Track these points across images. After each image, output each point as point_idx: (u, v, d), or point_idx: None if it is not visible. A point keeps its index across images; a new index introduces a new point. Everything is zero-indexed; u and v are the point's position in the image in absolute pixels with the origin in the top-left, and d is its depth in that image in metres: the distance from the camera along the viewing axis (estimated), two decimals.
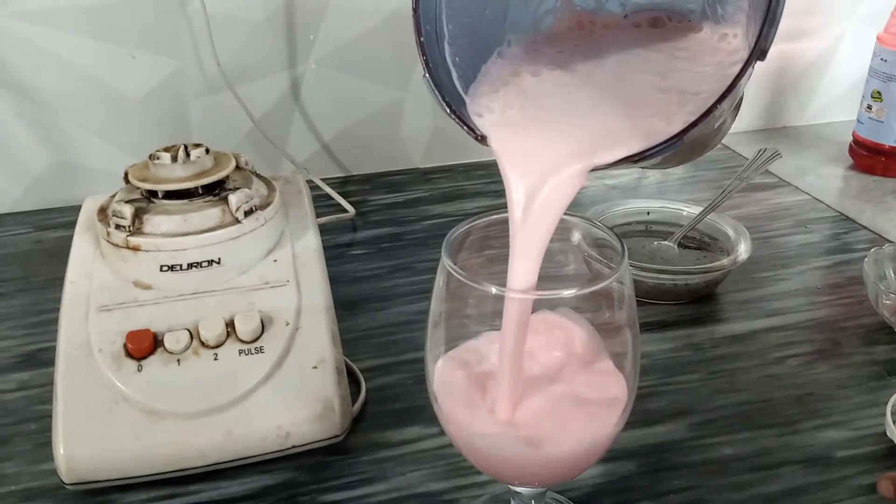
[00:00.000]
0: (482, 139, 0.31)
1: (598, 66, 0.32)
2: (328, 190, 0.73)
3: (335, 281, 0.49)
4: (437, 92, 0.31)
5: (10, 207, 0.74)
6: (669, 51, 0.32)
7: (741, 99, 0.37)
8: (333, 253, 0.65)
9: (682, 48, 0.31)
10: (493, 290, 0.29)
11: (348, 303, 0.58)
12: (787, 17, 0.92)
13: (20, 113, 0.71)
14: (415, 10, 0.31)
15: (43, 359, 0.52)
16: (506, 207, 0.31)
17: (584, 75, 0.32)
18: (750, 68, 0.25)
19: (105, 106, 0.72)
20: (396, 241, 0.67)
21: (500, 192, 0.81)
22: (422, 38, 0.31)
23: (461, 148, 0.83)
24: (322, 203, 0.73)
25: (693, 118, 0.26)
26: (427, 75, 0.31)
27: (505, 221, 0.31)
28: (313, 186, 0.72)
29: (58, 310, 0.45)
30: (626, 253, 0.30)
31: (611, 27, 0.34)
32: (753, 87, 0.88)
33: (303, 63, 0.75)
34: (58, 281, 0.48)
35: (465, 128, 0.31)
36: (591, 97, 0.30)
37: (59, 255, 0.65)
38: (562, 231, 0.34)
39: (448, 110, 0.30)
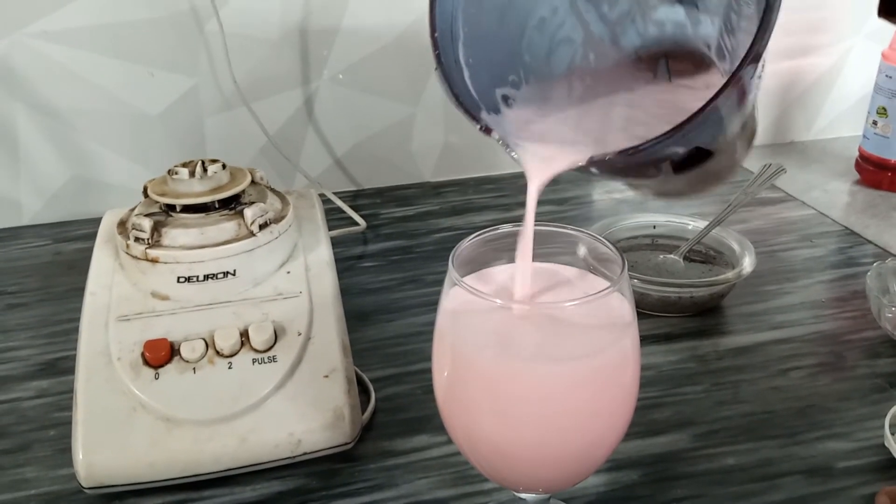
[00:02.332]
0: (487, 131, 0.32)
1: (603, 105, 0.34)
2: (340, 203, 0.75)
3: (346, 292, 0.50)
4: (446, 83, 0.32)
5: (30, 220, 0.76)
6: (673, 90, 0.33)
7: (754, 130, 0.38)
8: (345, 265, 0.66)
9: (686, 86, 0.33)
10: (499, 301, 0.30)
11: (359, 314, 0.59)
12: (794, 34, 0.93)
13: (41, 129, 0.73)
14: (431, 8, 0.32)
15: (62, 367, 0.54)
16: (513, 221, 0.33)
17: (586, 108, 0.33)
18: (742, 74, 0.26)
19: (123, 122, 0.74)
20: (406, 253, 0.69)
21: (509, 206, 0.82)
22: (436, 34, 0.32)
23: (471, 162, 0.84)
24: (334, 216, 0.74)
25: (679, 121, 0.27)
26: (438, 69, 0.32)
27: (511, 235, 0.33)
28: (326, 200, 0.73)
29: (76, 320, 0.47)
30: (626, 265, 0.31)
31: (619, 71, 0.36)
32: (761, 103, 0.89)
33: (316, 80, 0.77)
34: (76, 292, 0.49)
35: (472, 119, 0.32)
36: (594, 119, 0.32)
37: (77, 266, 0.67)
38: (568, 245, 0.35)
39: (455, 101, 0.32)
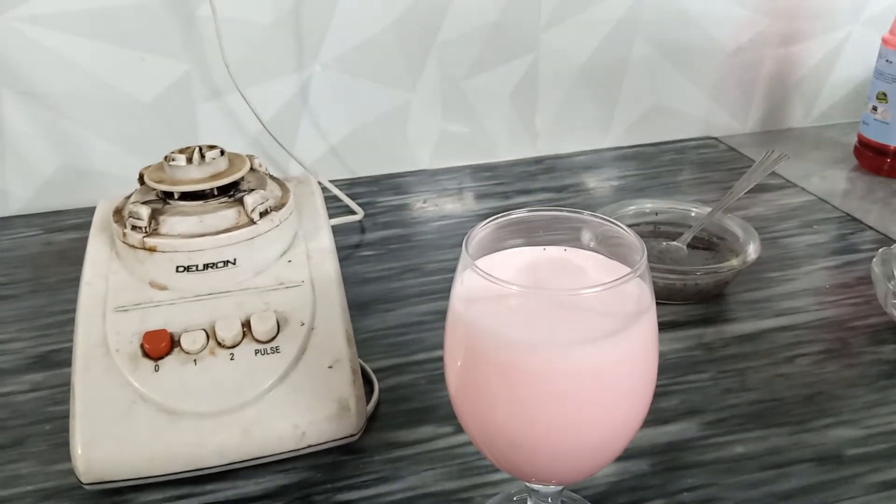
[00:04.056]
0: None
1: None
2: (336, 192, 0.74)
3: (345, 282, 0.49)
4: None
5: (20, 209, 0.75)
6: None
7: None
8: (342, 254, 0.65)
9: None
10: (515, 287, 0.29)
11: (358, 304, 0.58)
12: (793, 19, 0.93)
13: (31, 116, 0.71)
14: None
15: (56, 360, 0.53)
16: (519, 207, 0.32)
17: None
18: None
19: (114, 109, 0.72)
20: (405, 242, 0.68)
21: (508, 194, 0.81)
22: None
23: (468, 149, 0.83)
24: (330, 205, 0.73)
25: None
26: None
27: (525, 220, 0.32)
28: (322, 188, 0.72)
29: (69, 311, 0.46)
30: (645, 250, 0.30)
31: None
32: (759, 90, 0.89)
33: (310, 66, 0.75)
34: (69, 282, 0.48)
35: None
36: None
37: (69, 256, 0.66)
38: (572, 231, 0.34)
39: None
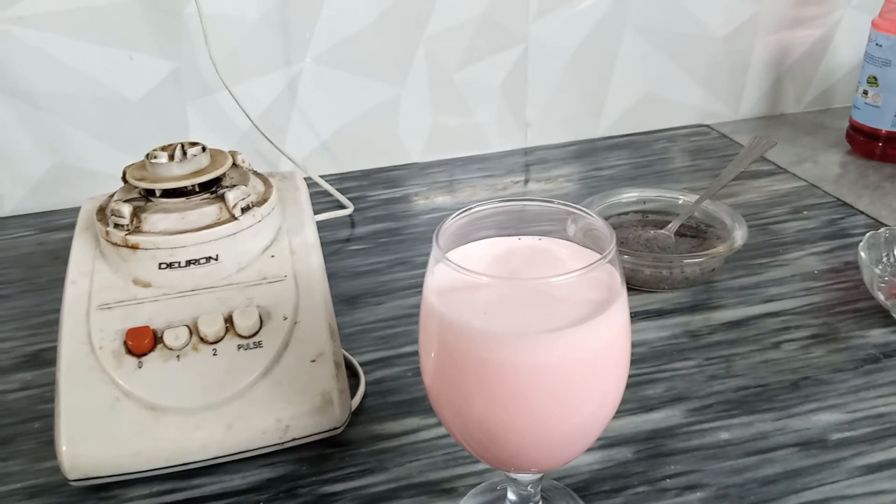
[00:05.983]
0: None
1: None
2: (326, 186, 0.74)
3: (334, 276, 0.49)
4: None
5: (12, 210, 0.75)
6: None
7: None
8: (332, 249, 0.66)
9: None
10: (485, 277, 0.29)
11: (348, 297, 0.58)
12: (784, 5, 0.93)
13: (20, 117, 0.71)
14: None
15: (46, 358, 0.53)
16: (497, 198, 0.32)
17: None
18: None
19: (104, 108, 0.73)
20: (395, 235, 0.68)
21: (499, 185, 0.81)
22: None
23: (458, 142, 0.83)
24: (321, 200, 0.73)
25: None
26: None
27: (497, 213, 0.32)
28: (311, 183, 0.72)
29: (60, 310, 0.46)
30: (615, 237, 0.30)
31: None
32: (751, 76, 0.89)
33: (299, 61, 0.75)
34: (60, 282, 0.48)
35: None
36: None
37: (61, 256, 0.66)
38: (557, 222, 0.35)
39: None
